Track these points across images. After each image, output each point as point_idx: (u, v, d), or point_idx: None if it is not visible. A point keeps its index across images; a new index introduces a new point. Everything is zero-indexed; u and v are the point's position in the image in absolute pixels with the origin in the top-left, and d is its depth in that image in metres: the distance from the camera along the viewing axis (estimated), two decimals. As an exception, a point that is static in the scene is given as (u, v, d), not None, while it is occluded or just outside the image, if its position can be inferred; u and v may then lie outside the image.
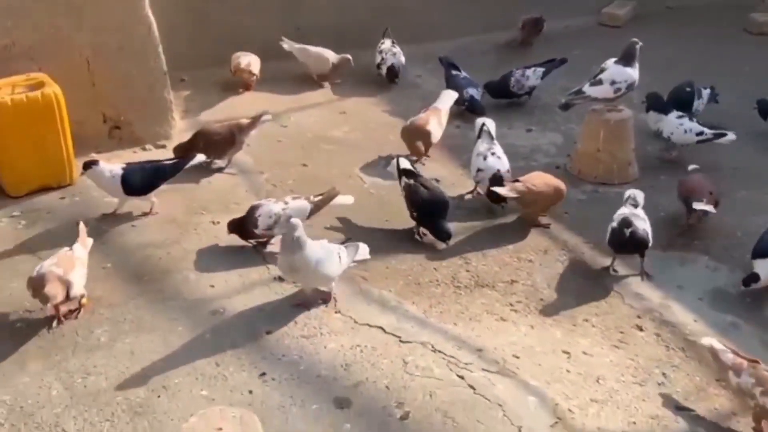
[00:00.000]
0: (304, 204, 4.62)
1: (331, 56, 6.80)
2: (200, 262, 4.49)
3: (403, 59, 6.92)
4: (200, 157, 5.12)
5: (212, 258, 4.59)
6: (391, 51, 6.90)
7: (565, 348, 4.02)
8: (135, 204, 4.99)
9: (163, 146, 5.88)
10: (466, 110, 6.35)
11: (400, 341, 3.94)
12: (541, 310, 4.30)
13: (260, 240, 4.62)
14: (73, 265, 3.98)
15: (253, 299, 4.28)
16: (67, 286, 3.86)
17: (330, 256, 4.01)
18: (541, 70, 6.58)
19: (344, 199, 4.84)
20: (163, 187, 4.99)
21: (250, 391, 3.61)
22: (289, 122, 6.35)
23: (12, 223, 4.93)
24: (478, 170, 5.16)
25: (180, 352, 3.89)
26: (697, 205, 4.79)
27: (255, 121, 5.56)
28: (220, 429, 2.84)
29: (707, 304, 4.38)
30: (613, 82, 5.52)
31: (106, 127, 5.80)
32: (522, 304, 4.34)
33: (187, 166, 5.01)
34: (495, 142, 5.27)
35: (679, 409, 3.67)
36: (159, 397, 3.61)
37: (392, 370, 3.76)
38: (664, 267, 4.68)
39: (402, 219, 4.95)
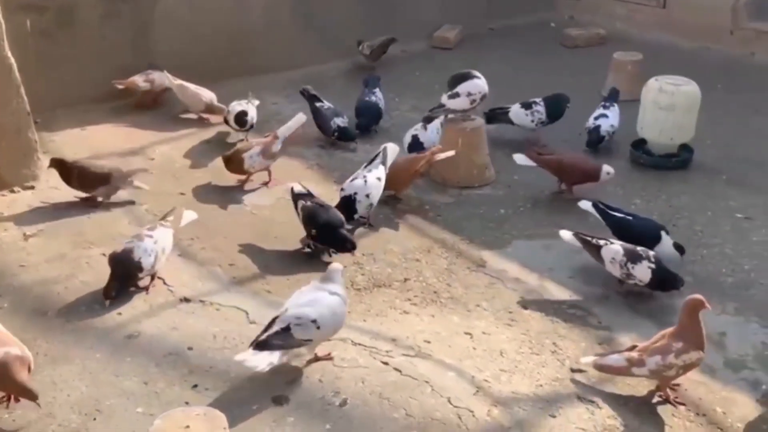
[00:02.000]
0: (168, 231, 4.72)
1: (206, 97, 6.82)
2: (100, 293, 4.47)
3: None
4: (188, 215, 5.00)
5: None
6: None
7: (466, 330, 4.37)
8: (20, 245, 4.88)
9: (32, 187, 5.77)
10: (337, 140, 6.52)
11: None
12: (437, 301, 4.64)
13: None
14: None
15: (164, 321, 4.34)
16: None
17: None
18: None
19: (190, 215, 4.97)
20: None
21: (187, 402, 3.68)
22: (155, 154, 6.37)
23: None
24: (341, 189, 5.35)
25: (104, 377, 3.89)
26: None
27: (129, 175, 5.57)
28: (188, 427, 2.91)
29: (579, 281, 4.87)
30: (469, 94, 6.01)
31: (-28, 173, 5.61)
32: (419, 298, 4.65)
33: None
34: (382, 166, 5.39)
35: (574, 371, 4.09)
36: (95, 419, 3.62)
37: (320, 365, 3.95)
38: (533, 254, 5.15)
39: (290, 233, 5.18)
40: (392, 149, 5.64)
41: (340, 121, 6.52)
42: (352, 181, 5.34)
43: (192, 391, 3.79)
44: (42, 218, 5.40)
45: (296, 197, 5.10)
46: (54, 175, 5.85)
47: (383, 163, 5.50)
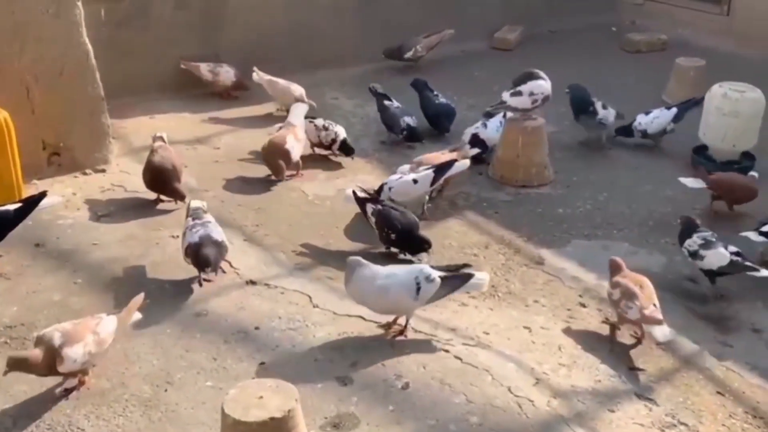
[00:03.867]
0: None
1: (297, 92, 6.91)
2: (171, 271, 4.63)
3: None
4: (54, 199, 4.88)
5: (181, 268, 4.72)
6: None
7: (525, 324, 4.43)
8: (92, 225, 5.06)
9: (103, 170, 5.96)
10: (404, 140, 6.48)
11: (371, 320, 4.24)
12: (495, 295, 4.70)
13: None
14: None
15: (231, 301, 4.48)
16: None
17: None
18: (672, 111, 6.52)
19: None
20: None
21: (254, 378, 3.80)
22: (220, 143, 6.52)
23: (0, 240, 4.90)
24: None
25: (174, 351, 4.04)
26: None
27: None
28: (261, 397, 3.02)
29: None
30: (531, 94, 6.05)
31: (46, 154, 5.82)
32: (477, 292, 4.71)
33: (36, 209, 4.68)
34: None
35: (632, 369, 4.13)
36: (166, 391, 3.76)
37: (383, 350, 4.06)
38: (592, 254, 5.18)
39: (350, 224, 5.32)
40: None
41: (410, 120, 6.53)
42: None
43: (259, 368, 3.92)
44: (113, 200, 5.59)
45: (362, 201, 5.10)
46: (124, 160, 6.06)
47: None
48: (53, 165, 5.85)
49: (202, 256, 4.40)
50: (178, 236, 5.06)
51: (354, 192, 5.16)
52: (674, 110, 6.57)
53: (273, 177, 5.81)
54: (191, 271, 4.62)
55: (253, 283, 4.66)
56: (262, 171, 5.98)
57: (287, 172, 5.85)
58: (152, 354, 4.02)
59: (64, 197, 5.54)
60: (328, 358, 3.98)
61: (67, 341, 3.57)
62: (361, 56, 8.10)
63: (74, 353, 3.57)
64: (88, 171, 5.94)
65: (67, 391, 3.72)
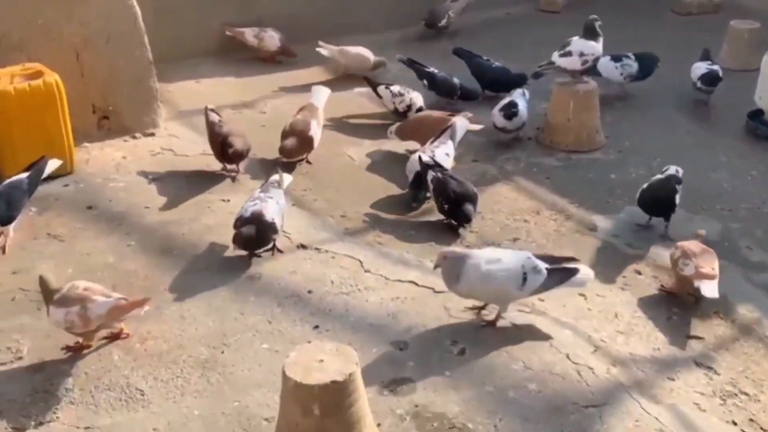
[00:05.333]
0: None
1: (371, 56, 6.85)
2: (223, 235, 4.62)
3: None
4: (54, 163, 4.77)
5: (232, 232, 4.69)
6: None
7: (580, 291, 4.35)
8: (144, 188, 5.06)
9: (152, 134, 5.96)
10: (461, 98, 6.38)
11: (434, 291, 4.19)
12: (548, 262, 4.61)
13: None
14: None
15: (283, 265, 4.47)
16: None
17: None
18: None
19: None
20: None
21: (309, 342, 3.76)
22: (266, 108, 6.49)
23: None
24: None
25: (229, 314, 4.04)
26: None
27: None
28: (322, 360, 3.00)
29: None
30: (581, 54, 5.91)
31: (95, 118, 5.83)
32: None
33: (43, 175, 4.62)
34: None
35: (690, 337, 4.05)
36: (222, 353, 3.76)
37: (437, 315, 4.02)
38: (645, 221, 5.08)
39: (397, 191, 5.27)
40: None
41: (458, 81, 6.47)
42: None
43: (314, 331, 3.91)
44: (163, 164, 5.59)
45: (425, 167, 4.98)
46: (172, 124, 6.06)
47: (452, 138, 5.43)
48: (103, 129, 5.87)
49: (240, 235, 4.31)
50: (228, 200, 5.05)
51: (420, 157, 5.05)
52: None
53: (282, 157, 5.58)
54: None
55: (303, 247, 4.64)
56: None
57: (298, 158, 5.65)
58: (207, 316, 4.03)
59: (113, 161, 5.55)
60: (383, 323, 3.96)
61: (60, 300, 3.61)
62: (395, 22, 7.99)
63: (54, 313, 3.62)
64: (137, 135, 5.94)
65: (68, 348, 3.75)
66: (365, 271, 4.40)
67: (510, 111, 5.85)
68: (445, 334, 3.91)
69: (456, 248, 4.17)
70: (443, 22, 7.98)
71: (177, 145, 5.82)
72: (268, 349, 3.80)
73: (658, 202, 4.86)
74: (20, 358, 3.74)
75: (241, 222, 4.40)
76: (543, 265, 3.84)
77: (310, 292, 4.21)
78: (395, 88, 6.19)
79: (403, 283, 4.30)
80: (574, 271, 3.89)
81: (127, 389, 3.57)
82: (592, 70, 6.27)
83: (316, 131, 5.56)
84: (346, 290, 4.23)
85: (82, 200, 4.96)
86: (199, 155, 5.71)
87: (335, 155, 5.76)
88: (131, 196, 5.07)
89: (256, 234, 4.34)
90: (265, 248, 4.46)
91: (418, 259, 4.56)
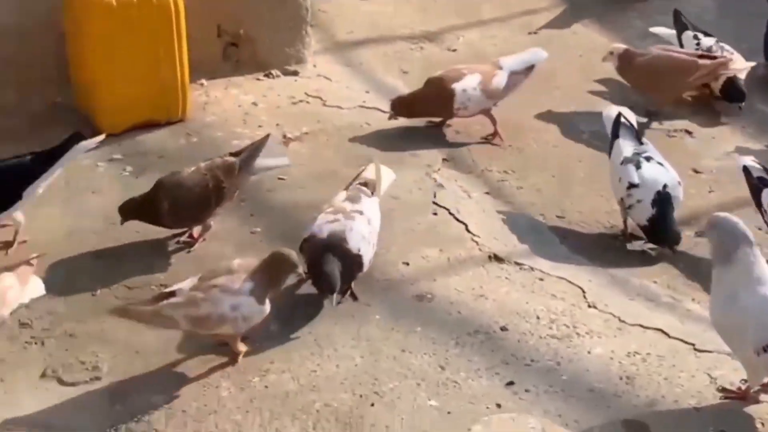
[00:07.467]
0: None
1: None
2: (385, 228, 4.56)
3: None
4: (96, 139, 4.65)
5: (396, 224, 4.73)
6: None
7: None
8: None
9: (295, 72, 6.03)
10: None
11: (695, 350, 4.02)
12: None
13: None
14: None
15: (466, 283, 4.42)
16: None
17: None
18: None
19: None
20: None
21: (499, 405, 3.70)
22: (457, 44, 6.48)
23: (114, 168, 5.13)
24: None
25: (385, 348, 4.01)
26: None
27: None
28: (519, 442, 2.93)
29: None
30: None
31: (220, 44, 5.95)
32: None
33: (69, 157, 4.52)
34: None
35: None
36: (372, 405, 3.74)
37: (697, 387, 3.84)
38: None
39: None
40: None
41: None
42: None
43: (506, 390, 3.80)
44: (306, 117, 5.66)
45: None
46: (324, 59, 6.09)
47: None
48: (229, 60, 6.01)
49: (320, 276, 4.10)
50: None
51: (744, 165, 4.78)
52: None
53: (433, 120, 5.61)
54: (415, 231, 4.66)
55: (498, 259, 4.58)
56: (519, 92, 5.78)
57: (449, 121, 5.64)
58: (355, 348, 4.02)
59: (240, 108, 5.64)
60: (612, 390, 3.81)
61: None
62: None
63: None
64: (274, 72, 6.05)
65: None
66: (589, 306, 4.29)
67: None
68: (708, 420, 3.72)
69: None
70: None
71: (328, 91, 5.90)
72: (437, 408, 3.73)
73: None
74: (97, 379, 3.84)
75: (311, 244, 4.19)
76: None
77: (503, 329, 4.14)
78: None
79: (647, 331, 4.16)
80: None
81: (238, 440, 3.60)
82: None
83: (465, 88, 5.46)
84: (558, 332, 4.13)
85: (193, 160, 5.04)
86: (357, 108, 5.76)
87: (552, 121, 5.72)
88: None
89: (332, 271, 4.07)
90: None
91: (671, 295, 4.45)
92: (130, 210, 4.47)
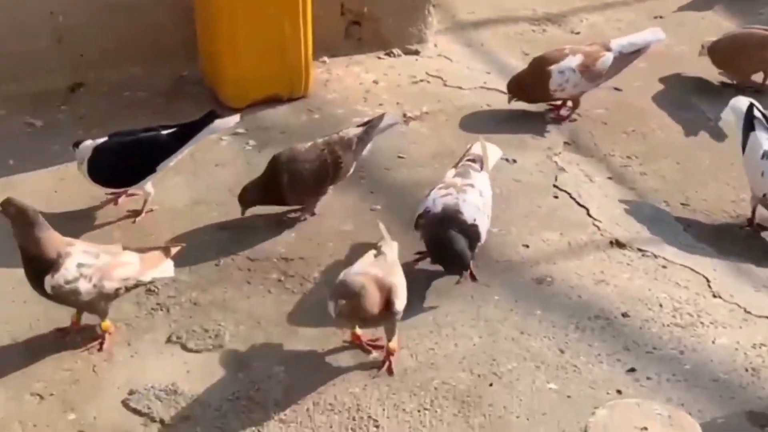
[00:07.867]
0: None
1: None
2: (497, 209, 4.54)
3: None
4: (232, 119, 4.75)
5: (516, 206, 4.74)
6: None
7: None
8: (394, 127, 5.11)
9: (416, 52, 6.05)
10: None
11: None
12: None
13: None
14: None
15: (587, 267, 4.40)
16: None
17: None
18: None
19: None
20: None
21: (619, 391, 3.67)
22: (580, 26, 6.43)
23: (237, 142, 5.21)
24: None
25: (504, 329, 4.02)
26: None
27: None
28: (645, 428, 2.88)
29: None
30: None
31: (344, 22, 5.99)
32: None
33: (203, 135, 4.63)
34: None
35: None
36: (491, 385, 3.74)
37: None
38: None
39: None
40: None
41: None
42: None
43: (628, 376, 3.78)
44: (426, 96, 5.69)
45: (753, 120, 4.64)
46: (445, 39, 6.09)
47: None
48: (352, 38, 6.07)
49: (449, 255, 4.09)
50: (515, 160, 5.05)
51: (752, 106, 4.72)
52: None
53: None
54: (536, 214, 4.64)
55: (620, 244, 4.55)
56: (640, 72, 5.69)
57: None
58: (473, 328, 4.02)
59: (362, 86, 5.66)
60: (737, 382, 3.75)
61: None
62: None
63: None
64: (395, 51, 6.10)
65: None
66: (714, 296, 4.23)
67: None
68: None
69: None
70: None
71: (448, 71, 5.91)
72: (556, 391, 3.72)
73: None
74: (220, 347, 3.91)
75: (427, 220, 4.20)
76: None
77: (625, 315, 4.09)
78: None
79: (772, 321, 4.05)
80: None
81: (357, 415, 3.62)
82: None
83: (565, 68, 5.41)
84: (681, 321, 4.08)
85: (314, 137, 5.07)
86: (477, 89, 5.77)
87: (682, 111, 5.64)
88: (380, 138, 5.13)
89: (463, 250, 4.07)
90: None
91: (804, 287, 4.30)
92: (250, 196, 4.54)
